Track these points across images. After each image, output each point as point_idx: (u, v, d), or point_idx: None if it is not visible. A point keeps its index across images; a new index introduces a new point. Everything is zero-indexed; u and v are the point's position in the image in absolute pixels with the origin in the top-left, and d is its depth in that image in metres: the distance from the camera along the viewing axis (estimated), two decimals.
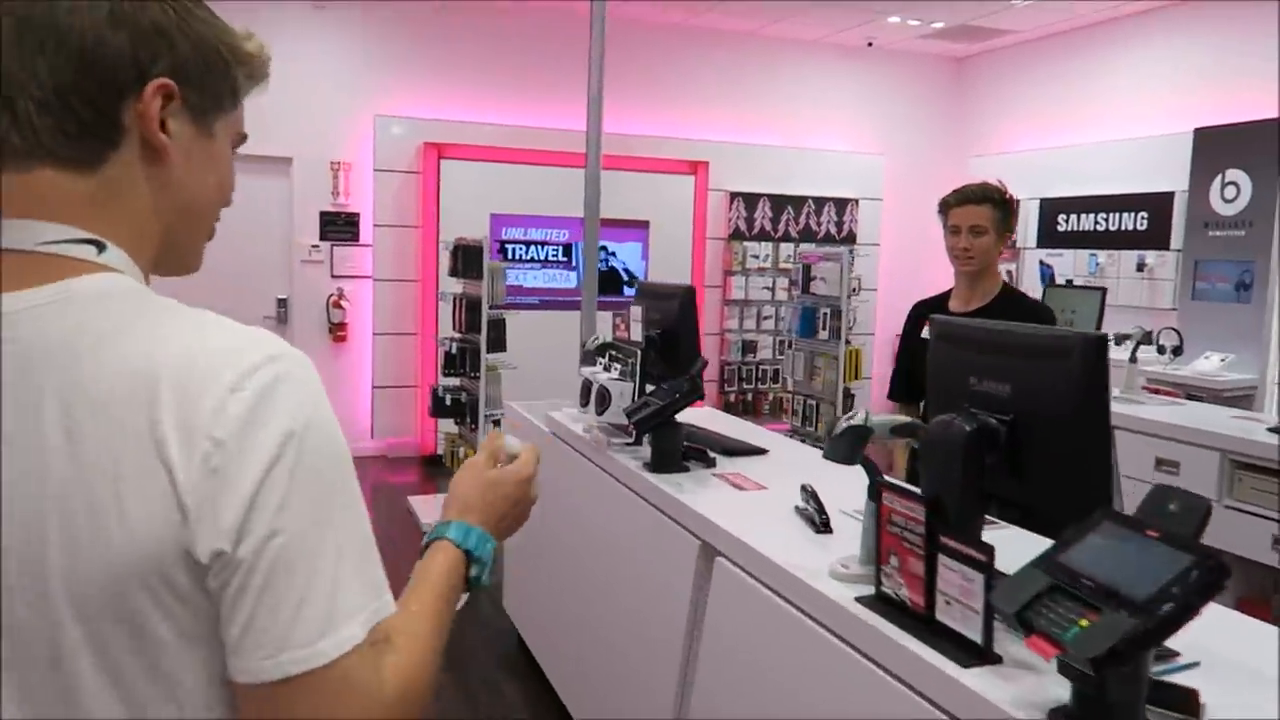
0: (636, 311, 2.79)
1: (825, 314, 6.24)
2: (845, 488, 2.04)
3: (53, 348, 0.70)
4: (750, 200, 8.00)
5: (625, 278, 7.43)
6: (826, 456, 1.77)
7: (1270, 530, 3.28)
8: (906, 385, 3.04)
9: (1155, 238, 6.60)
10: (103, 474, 0.68)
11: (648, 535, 2.43)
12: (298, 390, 0.73)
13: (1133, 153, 6.78)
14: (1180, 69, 6.63)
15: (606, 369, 2.92)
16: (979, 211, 2.79)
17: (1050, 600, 1.19)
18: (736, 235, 7.99)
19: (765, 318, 8.05)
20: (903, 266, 8.36)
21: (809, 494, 2.16)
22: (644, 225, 7.46)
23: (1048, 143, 7.64)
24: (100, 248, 0.75)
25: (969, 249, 2.81)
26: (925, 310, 2.97)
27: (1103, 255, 6.98)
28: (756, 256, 8.01)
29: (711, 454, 2.64)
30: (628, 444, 2.78)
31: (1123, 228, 6.86)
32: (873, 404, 7.74)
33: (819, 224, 8.22)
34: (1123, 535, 1.22)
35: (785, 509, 2.23)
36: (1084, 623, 1.13)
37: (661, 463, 2.56)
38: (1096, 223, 7.07)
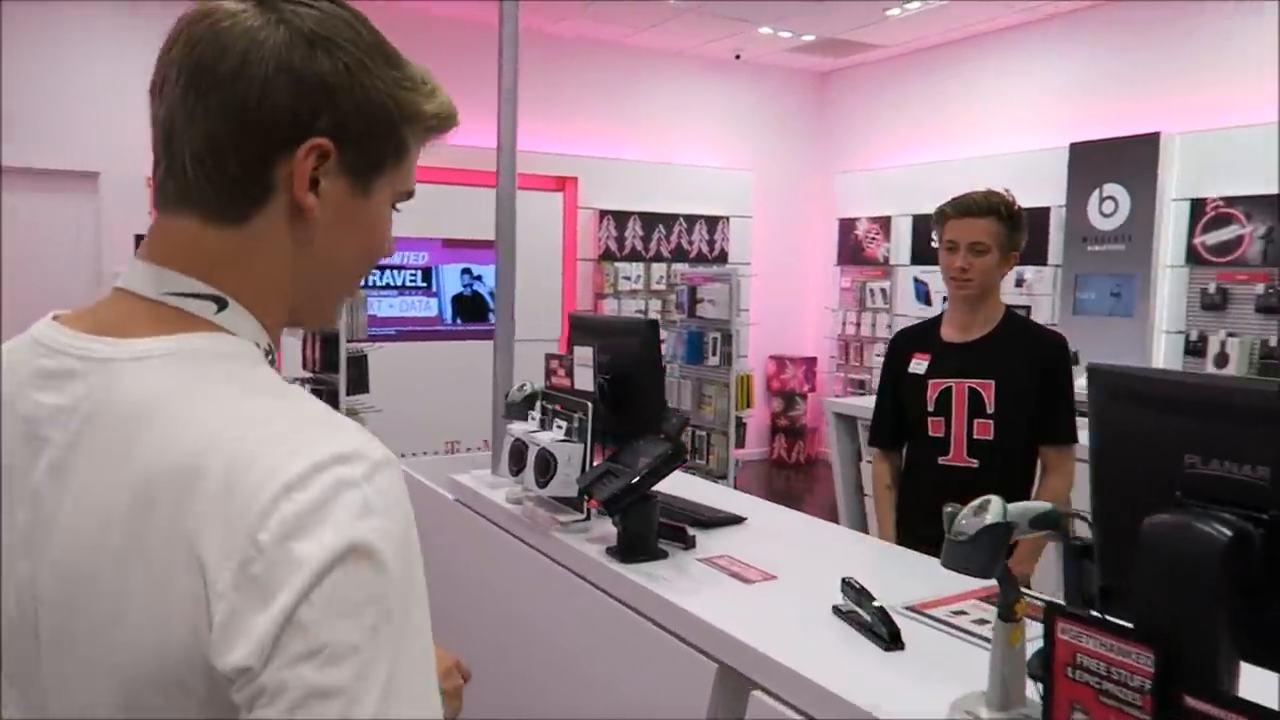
0: (584, 353, 2.22)
1: (715, 338, 5.83)
2: (873, 569, 1.55)
3: (144, 403, 0.68)
4: (620, 218, 7.53)
5: (492, 303, 6.78)
6: (952, 566, 1.27)
7: None
8: (894, 428, 2.60)
9: (1033, 253, 6.55)
10: (134, 555, 0.65)
11: (636, 653, 1.86)
12: (367, 499, 0.64)
13: (1008, 168, 6.72)
14: (1053, 84, 6.65)
15: (544, 426, 2.33)
16: (981, 226, 2.34)
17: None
18: (607, 256, 7.50)
19: None
20: (774, 287, 8.10)
21: (857, 591, 1.65)
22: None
23: (920, 158, 7.56)
24: (221, 305, 0.74)
25: (967, 270, 2.35)
26: (914, 341, 2.57)
27: None
28: (629, 278, 7.54)
29: (690, 531, 2.10)
30: (577, 520, 2.20)
31: None
32: (750, 436, 7.40)
33: (690, 243, 7.85)
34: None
35: (819, 610, 1.72)
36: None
37: (634, 549, 2.00)
38: None
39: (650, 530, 2.01)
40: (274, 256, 0.75)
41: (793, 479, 7.79)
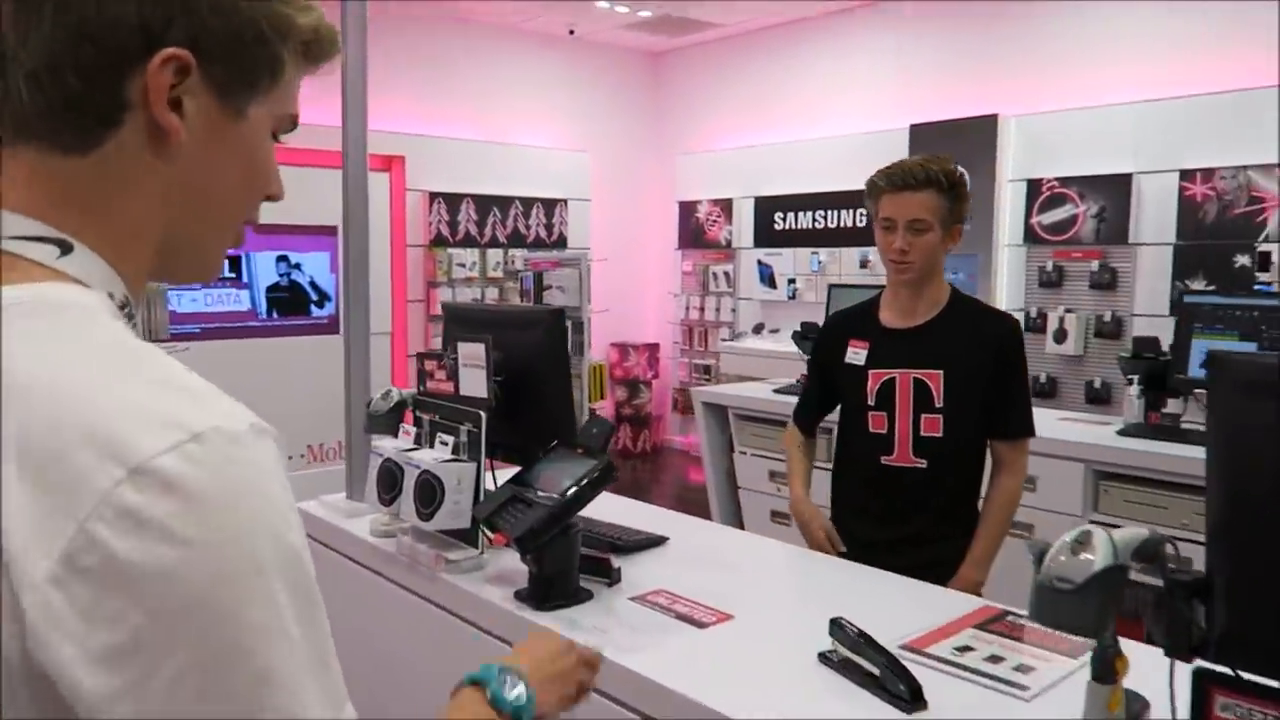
0: (473, 351, 1.79)
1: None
2: (829, 594, 1.25)
3: None
4: (452, 201, 7.00)
5: (314, 295, 6.11)
6: (1051, 622, 0.97)
7: None
8: (818, 414, 2.38)
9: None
10: None
11: None
12: (226, 482, 0.55)
13: (849, 149, 6.71)
14: (893, 66, 6.65)
15: (420, 441, 1.89)
16: (920, 201, 2.04)
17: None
18: (439, 241, 6.96)
19: None
20: (614, 272, 7.79)
21: (854, 636, 1.34)
22: (331, 231, 6.18)
23: (761, 140, 7.44)
24: (65, 249, 0.64)
25: (908, 251, 2.05)
26: (849, 326, 2.28)
27: (824, 253, 6.87)
28: (463, 265, 7.03)
29: (615, 562, 1.73)
30: (470, 557, 1.79)
31: (842, 225, 6.78)
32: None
33: (528, 227, 7.42)
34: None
35: (802, 660, 1.40)
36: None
37: (551, 591, 1.62)
38: (815, 220, 6.95)
39: (571, 567, 1.63)
40: (131, 189, 0.66)
41: (639, 469, 7.54)
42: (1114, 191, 5.37)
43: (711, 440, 4.35)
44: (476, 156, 7.17)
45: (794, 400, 3.94)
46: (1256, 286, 4.82)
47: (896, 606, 1.65)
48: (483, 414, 1.74)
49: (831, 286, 4.42)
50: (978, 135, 5.90)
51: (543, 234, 7.50)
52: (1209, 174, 5.03)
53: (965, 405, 2.09)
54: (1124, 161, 5.34)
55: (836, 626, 1.37)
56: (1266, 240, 4.85)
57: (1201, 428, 3.21)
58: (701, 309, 7.74)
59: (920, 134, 6.20)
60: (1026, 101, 5.82)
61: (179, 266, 0.72)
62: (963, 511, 2.15)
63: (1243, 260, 4.92)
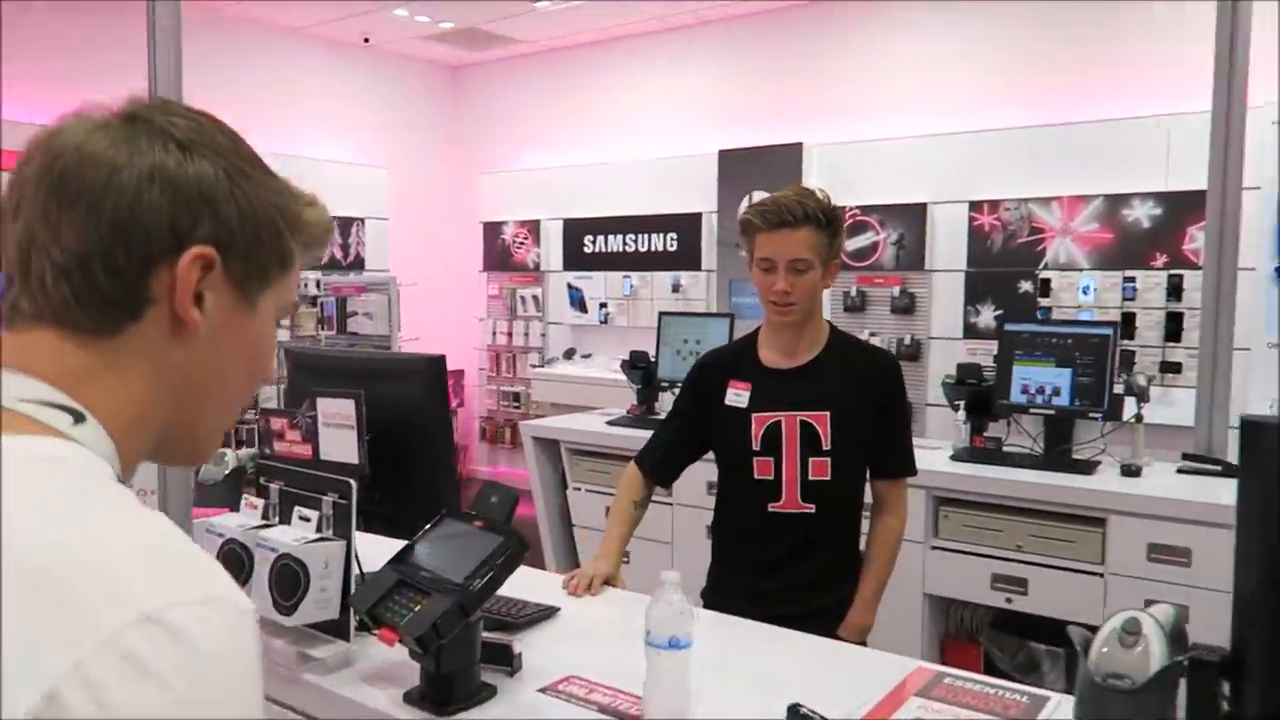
0: (340, 408, 1.52)
1: None
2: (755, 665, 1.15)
3: None
4: None
5: None
6: None
7: (988, 568, 3.10)
8: (666, 460, 2.19)
9: (687, 258, 6.60)
10: None
11: None
12: (230, 648, 0.55)
13: (660, 172, 6.72)
14: (702, 91, 6.72)
15: (270, 516, 1.59)
16: (799, 239, 1.92)
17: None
18: None
19: None
20: (415, 294, 7.41)
21: None
22: None
23: (569, 160, 7.32)
24: (78, 418, 0.65)
25: (789, 293, 1.95)
26: (727, 367, 2.14)
27: (636, 276, 6.83)
28: None
29: (515, 645, 1.51)
30: (338, 651, 1.51)
31: (653, 248, 6.78)
32: None
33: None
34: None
35: None
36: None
37: (452, 691, 1.38)
38: (626, 243, 6.90)
39: (474, 660, 1.41)
40: (144, 376, 0.68)
41: None
42: (911, 220, 5.65)
43: (543, 476, 4.15)
44: None
45: (630, 433, 3.88)
46: (1039, 312, 5.21)
47: (828, 675, 1.54)
48: (353, 482, 1.48)
49: (662, 314, 4.34)
50: (784, 162, 6.06)
51: (338, 254, 7.01)
52: (995, 205, 5.39)
53: (851, 446, 2.03)
54: (919, 191, 5.64)
55: (796, 714, 1.23)
56: (1046, 268, 5.25)
57: (1021, 450, 3.38)
58: (509, 334, 7.50)
59: (729, 159, 6.30)
60: (830, 131, 6.04)
61: (176, 451, 0.74)
62: (846, 555, 2.10)
63: (1026, 286, 5.31)
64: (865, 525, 2.14)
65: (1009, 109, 5.46)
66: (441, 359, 1.60)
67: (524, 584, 1.71)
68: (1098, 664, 0.89)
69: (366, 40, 7.20)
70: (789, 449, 2.01)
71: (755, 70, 6.47)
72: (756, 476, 2.04)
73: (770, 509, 2.03)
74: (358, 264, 7.11)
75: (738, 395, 2.06)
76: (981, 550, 3.12)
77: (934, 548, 3.21)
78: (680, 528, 3.76)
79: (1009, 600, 3.08)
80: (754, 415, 2.03)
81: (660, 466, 2.19)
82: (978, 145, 5.46)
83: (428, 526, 1.47)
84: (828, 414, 2.01)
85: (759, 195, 6.09)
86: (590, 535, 4.05)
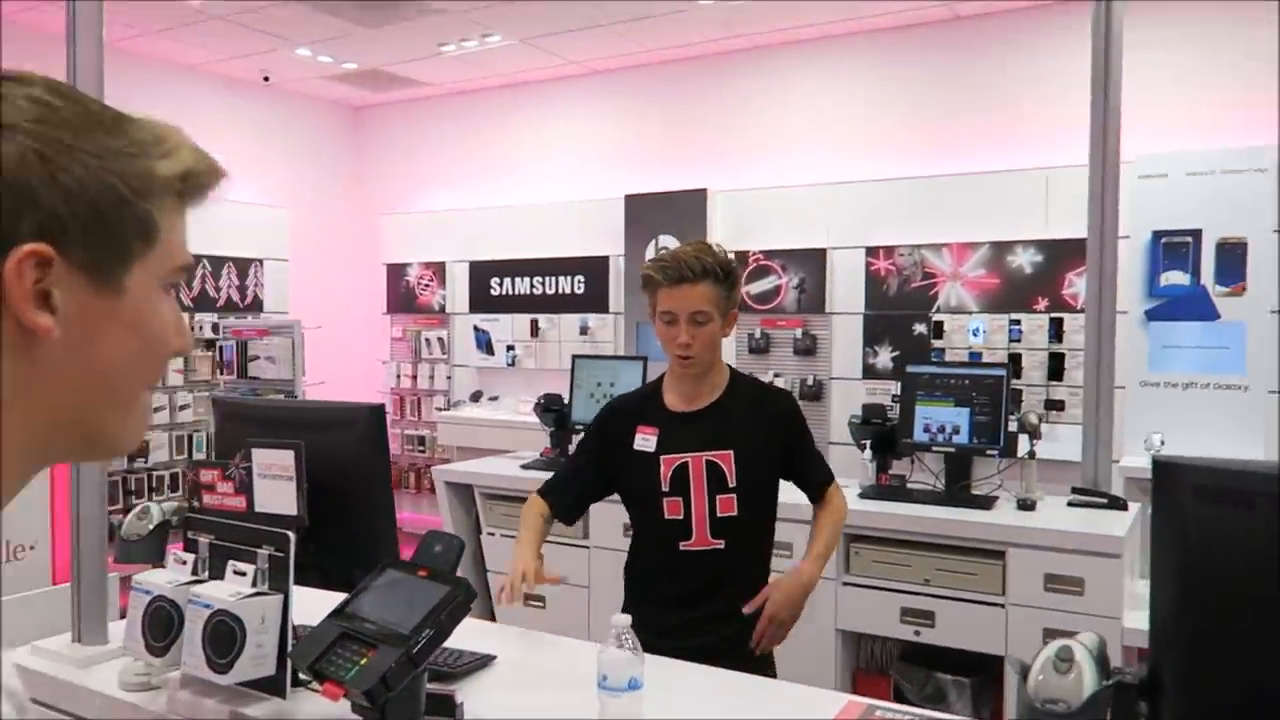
0: (279, 459, 1.50)
1: None
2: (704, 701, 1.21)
3: None
4: None
5: None
6: None
7: (897, 602, 3.21)
8: (569, 497, 2.25)
9: (595, 300, 6.66)
10: None
11: None
12: None
13: (566, 215, 6.79)
14: (607, 137, 6.84)
15: (199, 571, 1.55)
16: (700, 293, 2.03)
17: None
18: None
19: (158, 409, 6.24)
20: (317, 337, 7.25)
21: None
22: None
23: (474, 202, 7.32)
24: None
25: (690, 344, 2.05)
26: (634, 413, 2.22)
27: (544, 319, 6.85)
28: None
29: (457, 696, 1.51)
30: (274, 710, 1.48)
31: (561, 291, 6.82)
32: None
33: (218, 289, 6.70)
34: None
35: None
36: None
37: None
38: (534, 286, 6.92)
39: (418, 713, 1.40)
40: (10, 396, 0.60)
41: None
42: (811, 264, 5.86)
43: (456, 521, 4.10)
44: None
45: (544, 475, 3.87)
46: (932, 353, 5.45)
47: (764, 712, 1.58)
48: (290, 534, 1.46)
49: (575, 357, 4.37)
50: (688, 207, 6.21)
51: (235, 296, 6.81)
52: (890, 251, 5.64)
53: (755, 482, 2.14)
54: (819, 237, 5.86)
55: None
56: (939, 311, 5.51)
57: (924, 486, 3.52)
58: (414, 376, 7.41)
59: (635, 204, 6.42)
60: (733, 178, 6.23)
61: (90, 450, 0.69)
62: (754, 587, 2.17)
63: (921, 328, 5.55)
64: (774, 563, 2.25)
65: (903, 160, 5.74)
66: (381, 408, 1.59)
67: (456, 632, 1.71)
68: (1036, 690, 0.96)
69: (266, 79, 7.09)
70: (696, 488, 2.10)
71: (661, 117, 6.63)
72: (667, 517, 2.11)
73: (682, 547, 2.11)
74: (256, 306, 6.92)
75: (645, 440, 2.15)
76: (891, 585, 3.23)
77: (845, 584, 3.30)
78: (597, 570, 3.77)
79: (917, 633, 3.19)
80: (662, 457, 2.12)
81: (569, 507, 2.26)
82: (873, 193, 5.71)
83: (369, 577, 1.46)
84: (731, 452, 2.10)
85: (665, 239, 6.25)
86: (503, 580, 4.01)
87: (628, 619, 1.37)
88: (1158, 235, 4.82)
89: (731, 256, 2.18)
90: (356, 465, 1.58)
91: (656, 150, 6.61)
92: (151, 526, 1.60)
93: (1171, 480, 0.96)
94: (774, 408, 2.22)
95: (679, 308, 2.04)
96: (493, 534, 4.05)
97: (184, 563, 1.54)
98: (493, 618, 4.09)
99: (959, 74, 5.66)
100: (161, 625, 1.47)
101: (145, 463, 6.10)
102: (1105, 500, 3.24)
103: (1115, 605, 2.84)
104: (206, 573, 1.55)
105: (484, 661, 1.74)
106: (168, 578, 1.52)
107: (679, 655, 1.82)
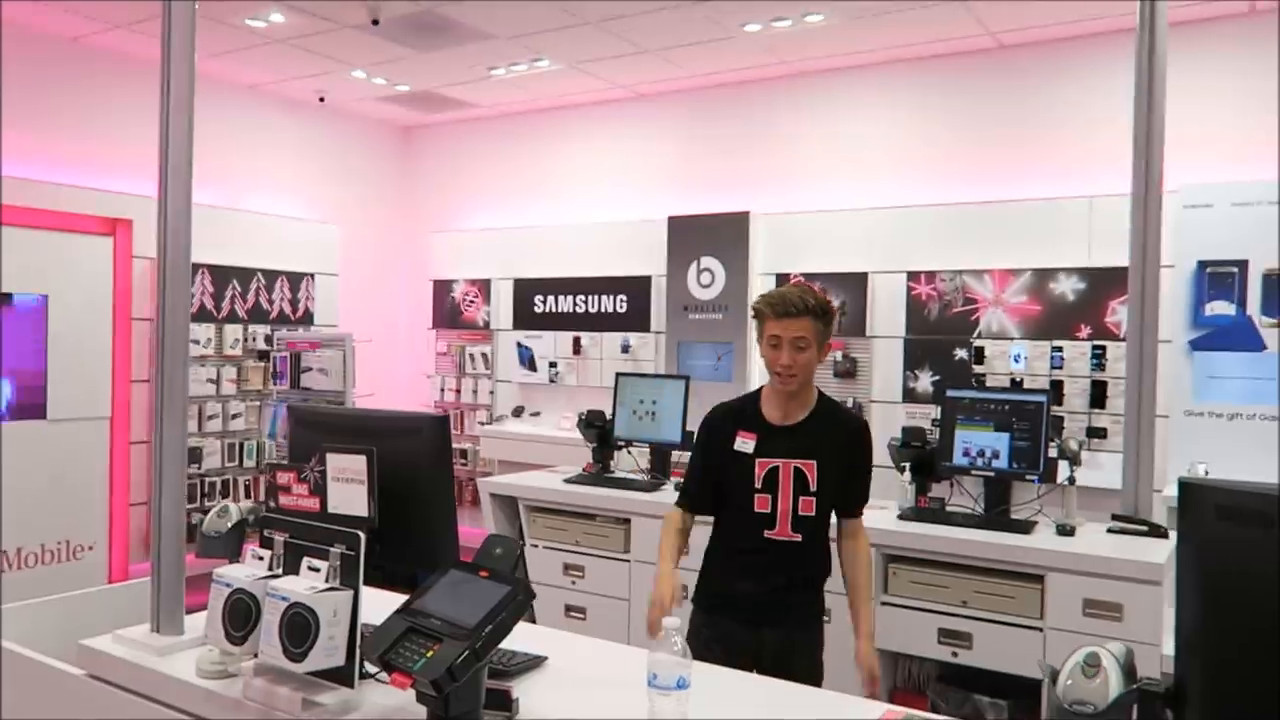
0: (351, 464, 1.60)
1: None
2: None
3: None
4: None
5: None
6: None
7: (935, 623, 3.24)
8: (701, 492, 2.63)
9: (636, 320, 6.76)
10: None
11: None
12: None
13: (609, 235, 6.91)
14: (652, 159, 6.95)
15: (275, 567, 1.65)
16: (801, 324, 2.42)
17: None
18: None
19: (211, 417, 6.43)
20: (363, 351, 7.43)
21: None
22: (41, 301, 5.41)
23: (520, 221, 7.47)
24: None
25: (791, 366, 2.43)
26: (737, 419, 2.58)
27: (586, 336, 6.96)
28: (197, 341, 6.38)
29: (513, 691, 1.59)
30: (341, 697, 1.57)
31: (603, 310, 6.92)
32: None
33: (270, 302, 6.90)
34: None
35: None
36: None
37: None
38: (576, 304, 7.04)
39: (478, 704, 1.49)
40: None
41: None
42: (853, 287, 5.91)
43: (500, 532, 4.20)
44: (215, 223, 6.59)
45: (588, 490, 3.98)
46: (973, 378, 5.47)
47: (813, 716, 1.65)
48: (361, 534, 1.55)
49: (619, 375, 4.46)
50: (731, 230, 6.29)
51: (287, 309, 7.00)
52: (931, 276, 5.67)
53: (830, 488, 2.51)
54: (860, 261, 5.91)
55: None
56: (980, 336, 5.53)
57: (963, 509, 3.55)
58: (458, 390, 7.54)
59: (678, 225, 6.52)
60: (776, 201, 6.31)
61: None
62: (817, 568, 2.57)
63: (961, 353, 5.57)
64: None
65: (945, 186, 5.79)
66: (445, 419, 1.69)
67: (555, 643, 1.80)
68: (1065, 692, 1.02)
69: (322, 99, 7.30)
70: (784, 489, 2.48)
71: (704, 140, 6.73)
72: (756, 510, 2.49)
73: (766, 535, 2.49)
74: (306, 318, 7.11)
75: (745, 443, 2.52)
76: (929, 606, 3.27)
77: (884, 603, 3.34)
78: (637, 582, 3.84)
79: (955, 654, 3.22)
80: (758, 460, 2.50)
81: (698, 500, 2.64)
82: (915, 218, 5.76)
83: (434, 576, 1.55)
84: (815, 462, 2.48)
85: (707, 260, 6.35)
86: (546, 591, 4.09)
87: (677, 621, 1.45)
88: (1203, 265, 4.82)
89: (830, 299, 2.56)
90: (421, 471, 1.68)
91: (699, 173, 6.70)
92: (231, 524, 1.71)
93: (1196, 501, 1.02)
94: (849, 428, 2.58)
95: (784, 333, 2.42)
96: (535, 545, 4.14)
97: (261, 558, 1.64)
98: (533, 621, 4.18)
99: (1002, 102, 5.70)
100: (240, 616, 1.57)
101: (199, 468, 6.29)
102: (1145, 528, 3.25)
103: (1154, 632, 2.86)
104: (281, 569, 1.65)
105: (536, 662, 1.82)
106: (247, 572, 1.62)
107: (757, 613, 2.42)
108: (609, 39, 5.77)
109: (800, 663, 2.42)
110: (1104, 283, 5.11)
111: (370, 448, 1.59)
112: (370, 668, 1.57)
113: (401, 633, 1.47)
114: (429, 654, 1.40)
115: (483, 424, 7.30)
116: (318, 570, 1.57)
